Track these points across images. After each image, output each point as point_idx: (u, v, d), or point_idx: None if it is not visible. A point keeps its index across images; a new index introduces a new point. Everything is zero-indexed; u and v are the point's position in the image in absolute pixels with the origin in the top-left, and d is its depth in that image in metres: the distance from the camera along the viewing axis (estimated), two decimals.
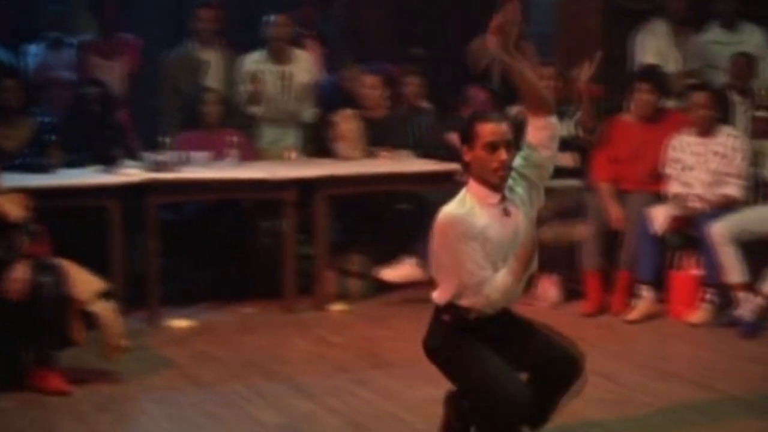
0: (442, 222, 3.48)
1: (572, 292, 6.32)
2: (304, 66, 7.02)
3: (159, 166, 5.83)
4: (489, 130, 3.46)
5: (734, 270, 5.63)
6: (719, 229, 5.65)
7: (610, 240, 6.13)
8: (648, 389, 4.70)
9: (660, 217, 5.93)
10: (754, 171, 6.04)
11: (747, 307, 5.57)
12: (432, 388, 3.99)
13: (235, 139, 6.38)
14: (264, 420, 4.32)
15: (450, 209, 3.49)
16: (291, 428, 4.26)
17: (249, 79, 6.80)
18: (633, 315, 5.90)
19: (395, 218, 6.86)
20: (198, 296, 6.29)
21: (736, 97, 6.58)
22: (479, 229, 3.44)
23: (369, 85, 6.87)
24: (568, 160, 6.31)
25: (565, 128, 6.53)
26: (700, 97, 6.05)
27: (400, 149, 6.76)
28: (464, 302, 3.48)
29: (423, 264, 6.13)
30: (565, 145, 6.45)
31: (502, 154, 3.44)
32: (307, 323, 5.93)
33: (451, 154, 6.44)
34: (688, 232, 5.94)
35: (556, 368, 3.58)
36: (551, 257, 6.10)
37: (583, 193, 6.26)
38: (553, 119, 3.56)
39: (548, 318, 5.83)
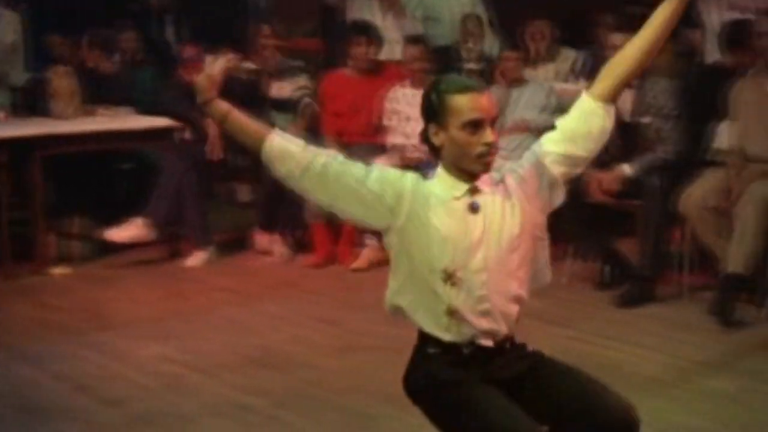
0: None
1: (301, 245, 6.41)
2: (9, 26, 6.69)
3: None
4: (470, 103, 2.61)
5: None
6: None
7: None
8: (374, 333, 4.84)
9: None
10: None
11: None
12: (160, 346, 3.96)
13: None
14: None
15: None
16: (12, 396, 4.08)
17: None
18: (358, 263, 6.04)
19: (118, 178, 6.68)
20: None
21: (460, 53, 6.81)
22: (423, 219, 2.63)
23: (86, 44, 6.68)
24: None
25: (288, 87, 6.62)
26: (414, 50, 6.22)
27: (121, 106, 6.58)
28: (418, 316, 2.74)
29: (150, 224, 6.03)
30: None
31: (489, 135, 2.61)
32: (27, 289, 5.71)
33: (174, 111, 6.37)
34: None
35: (607, 421, 2.56)
36: (276, 213, 6.19)
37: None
38: None
39: (278, 272, 6.06)
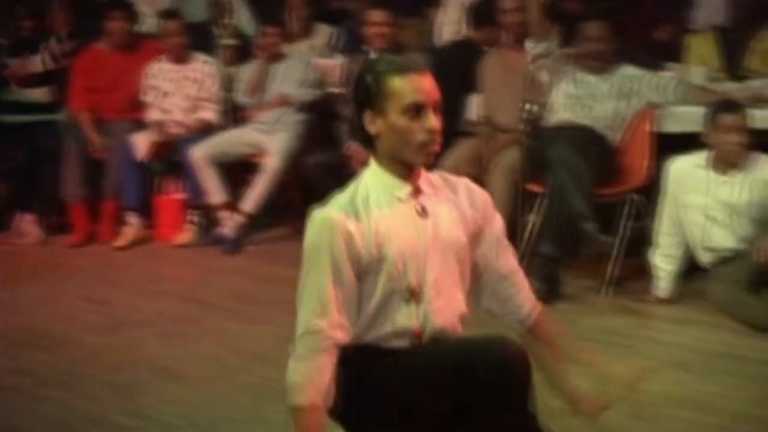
0: (314, 223, 2.36)
1: (57, 226, 6.22)
2: None
3: None
4: (410, 85, 2.35)
5: (215, 191, 5.87)
6: (198, 153, 5.84)
7: (94, 170, 6.08)
8: (141, 309, 4.79)
9: (141, 144, 5.99)
10: (227, 96, 6.28)
11: (228, 225, 5.84)
12: None
13: None
14: None
15: (329, 207, 2.38)
16: None
17: None
18: (121, 241, 5.93)
19: None
20: None
21: (215, 29, 6.76)
22: (369, 244, 2.34)
23: None
24: (41, 95, 6.26)
25: (39, 63, 6.38)
26: (169, 25, 6.12)
27: None
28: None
29: None
30: (40, 80, 6.36)
31: (432, 120, 2.37)
32: None
33: None
34: (170, 157, 6.06)
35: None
36: (30, 193, 6.02)
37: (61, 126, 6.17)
38: None
39: (34, 255, 5.87)
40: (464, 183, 2.54)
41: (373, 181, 2.42)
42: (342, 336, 2.33)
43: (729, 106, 4.45)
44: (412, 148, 2.37)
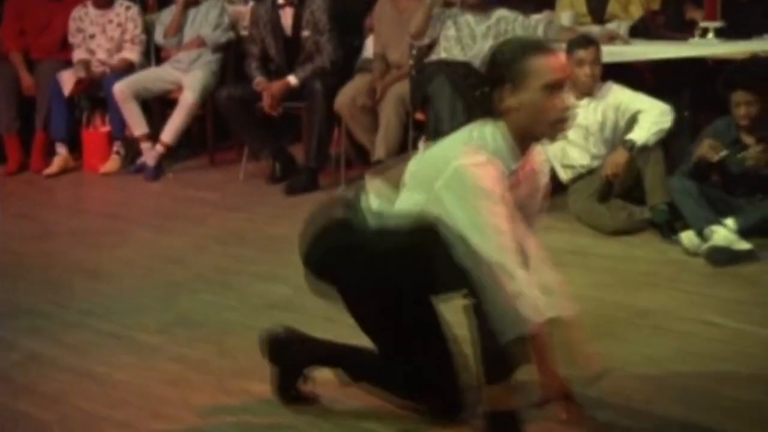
0: (480, 167, 2.44)
1: None
2: None
3: None
4: (551, 63, 2.46)
5: (137, 124, 6.16)
6: (121, 88, 6.10)
7: (26, 105, 6.34)
8: (67, 223, 5.13)
9: (68, 81, 6.24)
10: (147, 38, 6.53)
11: (149, 155, 6.14)
12: None
13: None
14: None
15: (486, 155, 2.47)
16: None
17: None
18: (50, 170, 6.19)
19: None
20: None
21: None
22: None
23: None
24: None
25: None
26: None
27: None
28: None
29: None
30: None
31: (566, 99, 2.50)
32: None
33: None
34: (95, 93, 6.32)
35: None
36: None
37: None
38: None
39: None
40: (546, 171, 2.71)
41: (501, 143, 2.49)
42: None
43: (583, 42, 4.86)
44: (547, 124, 2.46)
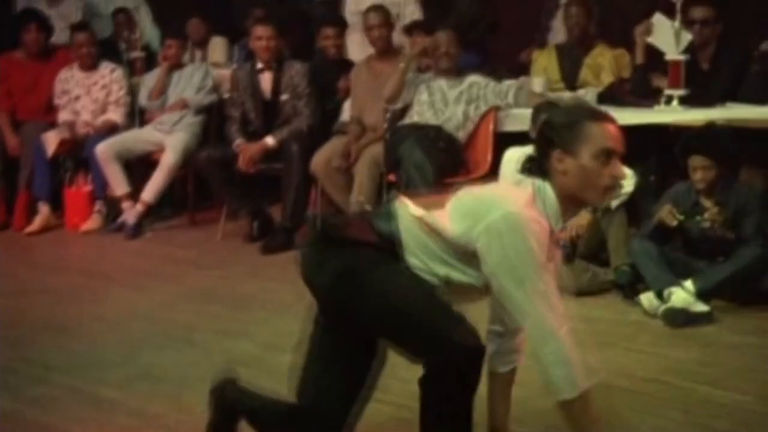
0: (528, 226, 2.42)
1: None
2: None
3: None
4: (606, 131, 2.48)
5: (118, 183, 6.24)
6: (104, 149, 6.20)
7: (10, 164, 6.44)
8: (44, 281, 5.18)
9: (52, 141, 6.33)
10: (132, 100, 6.66)
11: (130, 213, 6.21)
12: None
13: None
14: None
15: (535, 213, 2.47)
16: None
17: None
18: (32, 227, 6.25)
19: None
20: None
21: (120, 43, 7.10)
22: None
23: None
24: None
25: None
26: (81, 36, 6.50)
27: None
28: None
29: None
30: None
31: (619, 168, 2.50)
32: None
33: None
34: (78, 154, 6.41)
35: None
36: None
37: None
38: None
39: None
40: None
41: (551, 205, 2.49)
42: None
43: (547, 108, 4.95)
44: (596, 190, 2.47)
